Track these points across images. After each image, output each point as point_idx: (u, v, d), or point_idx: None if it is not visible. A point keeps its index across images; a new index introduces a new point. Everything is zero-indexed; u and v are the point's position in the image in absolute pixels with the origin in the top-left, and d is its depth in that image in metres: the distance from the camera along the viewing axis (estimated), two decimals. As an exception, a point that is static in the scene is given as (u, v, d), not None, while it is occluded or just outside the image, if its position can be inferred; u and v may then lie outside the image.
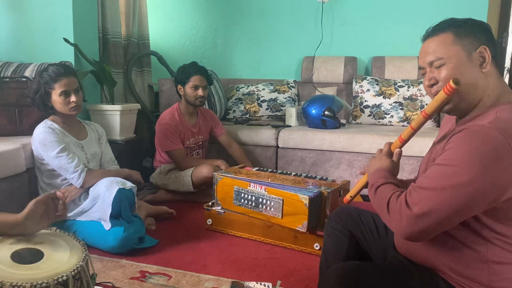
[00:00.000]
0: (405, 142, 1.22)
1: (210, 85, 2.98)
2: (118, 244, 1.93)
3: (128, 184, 2.02)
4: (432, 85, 1.09)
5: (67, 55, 2.76)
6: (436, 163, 1.00)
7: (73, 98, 2.05)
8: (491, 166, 0.92)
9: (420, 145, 2.66)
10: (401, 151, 1.23)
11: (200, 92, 2.78)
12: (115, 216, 1.97)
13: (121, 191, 1.95)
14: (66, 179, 2.09)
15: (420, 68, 1.13)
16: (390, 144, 1.25)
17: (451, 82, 1.00)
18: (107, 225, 1.95)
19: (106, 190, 1.96)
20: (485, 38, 1.05)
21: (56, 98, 2.04)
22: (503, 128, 0.94)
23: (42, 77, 2.05)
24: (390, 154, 1.23)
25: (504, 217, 0.98)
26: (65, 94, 2.04)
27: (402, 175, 2.81)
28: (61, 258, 1.21)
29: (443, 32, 1.07)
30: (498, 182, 0.92)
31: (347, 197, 1.38)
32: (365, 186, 1.32)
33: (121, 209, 1.97)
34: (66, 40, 2.68)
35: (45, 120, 2.12)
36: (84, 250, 1.26)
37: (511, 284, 1.01)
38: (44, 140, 2.02)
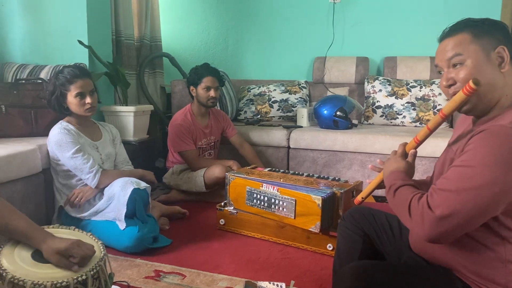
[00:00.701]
0: (420, 142, 1.21)
1: (222, 86, 3.00)
2: (132, 243, 1.95)
3: (143, 184, 2.04)
4: (450, 86, 1.08)
5: (82, 57, 2.80)
6: (456, 164, 1.00)
7: (88, 100, 2.08)
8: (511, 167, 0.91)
9: (433, 146, 2.65)
10: (416, 152, 1.23)
11: (212, 93, 2.80)
12: (129, 216, 1.99)
13: (135, 191, 1.97)
14: (81, 179, 2.12)
15: (436, 66, 1.13)
16: (404, 145, 1.25)
17: (471, 83, 0.99)
18: (122, 225, 1.97)
19: (121, 190, 1.98)
20: (503, 37, 1.05)
21: (71, 99, 2.07)
22: None
23: (57, 79, 2.08)
24: (405, 155, 1.23)
25: None
26: (81, 95, 2.07)
27: (415, 176, 2.78)
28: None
29: (460, 32, 1.06)
30: None
31: (359, 198, 1.38)
32: (377, 187, 1.31)
33: (135, 209, 1.99)
34: (80, 42, 2.72)
35: (60, 121, 2.15)
36: (102, 249, 1.28)
37: (527, 284, 1.01)
38: (59, 141, 2.06)
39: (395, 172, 1.17)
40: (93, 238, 1.33)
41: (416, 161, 2.86)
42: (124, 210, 1.95)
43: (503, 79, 1.04)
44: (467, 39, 1.05)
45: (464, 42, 1.05)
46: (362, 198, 1.37)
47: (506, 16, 4.06)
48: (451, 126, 3.27)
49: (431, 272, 1.09)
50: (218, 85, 2.87)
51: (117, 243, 2.00)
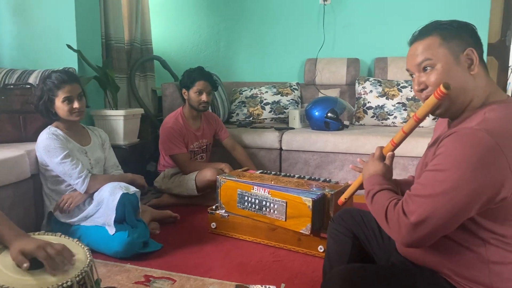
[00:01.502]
0: (397, 145, 1.22)
1: (215, 90, 2.99)
2: (122, 248, 1.94)
3: (132, 189, 2.03)
4: (422, 90, 1.09)
5: (71, 61, 2.78)
6: (428, 169, 1.00)
7: (76, 105, 2.07)
8: (483, 168, 0.92)
9: (423, 146, 2.63)
10: (393, 154, 1.23)
11: (204, 97, 2.79)
12: (119, 221, 1.98)
13: (124, 196, 1.96)
14: (70, 185, 2.10)
15: (408, 70, 1.13)
16: (381, 148, 1.25)
17: (441, 87, 1.00)
18: (111, 230, 1.96)
19: (110, 195, 1.97)
20: (471, 39, 1.06)
21: (59, 104, 2.06)
22: (491, 129, 0.94)
23: (45, 84, 2.07)
24: (382, 157, 1.23)
25: (501, 217, 0.98)
26: (68, 100, 2.06)
27: (407, 176, 2.79)
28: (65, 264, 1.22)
29: (429, 36, 1.07)
30: (491, 183, 0.92)
31: (342, 199, 1.39)
32: (359, 187, 1.32)
33: (125, 214, 1.98)
34: (69, 47, 2.70)
35: (48, 127, 2.13)
36: (88, 255, 1.27)
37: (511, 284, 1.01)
38: (48, 146, 2.04)
39: (373, 176, 1.18)
40: (80, 244, 1.31)
41: (407, 161, 2.89)
42: (113, 215, 1.94)
43: (473, 81, 1.04)
44: (436, 43, 1.05)
45: (433, 46, 1.05)
46: (345, 198, 1.38)
47: (495, 16, 4.09)
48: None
49: (418, 275, 1.09)
50: (211, 89, 2.85)
51: (107, 248, 1.98)
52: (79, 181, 2.04)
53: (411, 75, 1.13)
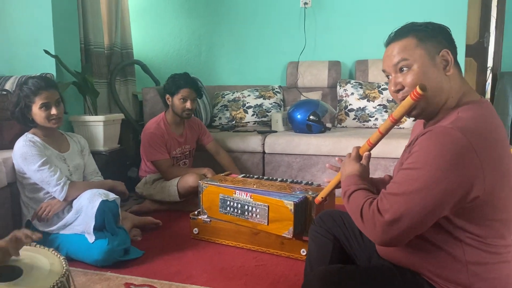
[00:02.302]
0: (373, 145, 1.23)
1: (200, 98, 2.96)
2: (102, 257, 1.90)
3: (111, 196, 2.00)
4: (398, 91, 1.10)
5: (49, 67, 2.74)
6: (403, 167, 1.01)
7: (53, 111, 2.03)
8: (455, 166, 0.93)
9: (404, 147, 2.67)
10: (370, 154, 1.24)
11: (188, 104, 2.76)
12: (99, 228, 1.95)
13: (104, 203, 1.93)
14: (49, 192, 2.06)
15: (384, 71, 1.14)
16: (358, 148, 1.26)
17: (418, 89, 1.01)
18: (90, 238, 1.92)
19: (89, 202, 1.93)
20: (446, 41, 1.07)
21: (36, 111, 2.02)
22: (464, 127, 0.95)
23: (22, 90, 2.03)
24: (359, 157, 1.24)
25: (475, 217, 0.99)
26: (46, 106, 2.02)
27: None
28: (40, 274, 1.19)
29: (405, 37, 1.08)
30: (464, 181, 0.94)
31: (319, 198, 1.40)
32: (336, 186, 1.33)
33: (104, 221, 1.94)
34: (46, 52, 2.66)
35: (26, 134, 2.09)
36: (64, 265, 1.24)
37: (491, 284, 1.02)
38: (25, 153, 2.00)
39: (350, 176, 1.19)
40: (56, 254, 1.29)
41: (388, 162, 2.90)
42: (93, 223, 1.90)
43: (448, 82, 1.06)
44: (412, 44, 1.06)
45: (409, 47, 1.06)
46: (322, 198, 1.39)
47: (473, 18, 4.16)
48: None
49: (398, 276, 1.09)
50: (196, 96, 2.83)
51: (87, 257, 1.95)
52: (58, 188, 2.00)
53: (387, 76, 1.14)
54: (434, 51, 1.05)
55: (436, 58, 1.05)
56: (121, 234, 2.02)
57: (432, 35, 1.06)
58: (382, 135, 1.19)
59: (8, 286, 1.10)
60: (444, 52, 1.05)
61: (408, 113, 1.09)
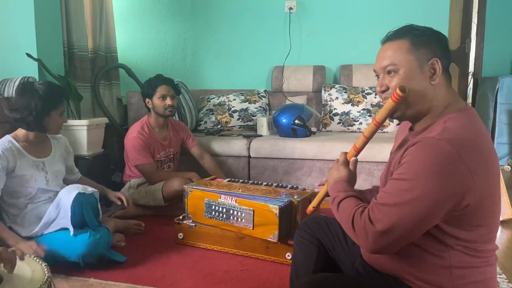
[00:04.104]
0: (359, 150, 1.24)
1: (178, 95, 2.95)
2: (85, 250, 1.87)
3: (89, 189, 1.98)
4: (383, 91, 1.12)
5: (31, 71, 2.70)
6: (393, 178, 1.03)
7: (64, 119, 2.10)
8: (445, 177, 0.94)
9: (388, 151, 2.69)
10: (356, 160, 1.26)
11: (168, 101, 2.76)
12: (80, 225, 1.92)
13: (81, 195, 1.90)
14: (30, 198, 2.02)
15: (374, 71, 1.17)
16: (345, 153, 1.27)
17: (397, 90, 1.04)
18: (71, 230, 1.89)
19: (65, 194, 1.91)
20: (439, 50, 1.08)
21: (56, 118, 2.05)
22: (451, 139, 0.97)
23: (47, 95, 2.02)
24: (346, 163, 1.25)
25: (464, 223, 1.00)
26: (61, 114, 2.07)
27: (372, 181, 2.85)
28: (21, 282, 1.17)
29: (400, 39, 1.10)
30: (454, 192, 0.95)
31: (310, 208, 1.40)
32: (327, 195, 1.33)
33: (83, 214, 1.90)
34: (29, 55, 2.62)
35: (6, 136, 2.05)
36: (46, 272, 1.22)
37: (475, 287, 1.03)
38: None
39: (338, 182, 1.20)
40: (37, 260, 1.27)
41: (373, 166, 2.93)
42: (69, 214, 1.87)
43: (433, 90, 1.08)
44: (404, 47, 1.08)
45: (401, 51, 1.08)
46: (313, 207, 1.39)
47: (455, 24, 4.23)
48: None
49: (381, 283, 1.10)
50: (174, 93, 2.83)
51: (70, 253, 1.90)
52: None
53: (377, 75, 1.15)
54: (424, 58, 1.07)
55: (425, 66, 1.07)
56: (103, 230, 2.00)
57: (427, 42, 1.08)
58: (367, 139, 1.21)
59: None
60: (434, 61, 1.06)
61: (390, 115, 1.11)
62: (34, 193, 2.04)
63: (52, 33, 2.91)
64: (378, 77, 1.15)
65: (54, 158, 2.16)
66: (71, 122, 2.76)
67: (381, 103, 3.33)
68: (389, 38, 1.13)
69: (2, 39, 2.75)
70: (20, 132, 2.06)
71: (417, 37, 1.08)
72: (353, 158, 1.25)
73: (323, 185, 1.39)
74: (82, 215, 1.91)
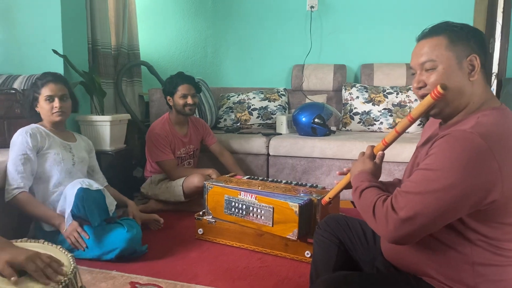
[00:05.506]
0: (388, 145, 1.23)
1: (199, 92, 2.98)
2: (125, 245, 1.94)
3: (95, 186, 1.96)
4: (420, 88, 1.11)
5: (57, 67, 2.75)
6: (420, 167, 1.02)
7: (56, 104, 2.08)
8: (473, 171, 0.93)
9: (410, 151, 2.68)
10: (383, 154, 1.25)
11: (189, 100, 2.79)
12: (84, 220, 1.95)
13: (84, 191, 1.89)
14: (57, 185, 2.07)
15: (410, 68, 1.15)
16: (372, 147, 1.27)
17: (438, 87, 1.02)
18: (68, 221, 1.93)
19: (70, 188, 1.94)
20: (477, 46, 1.07)
21: (42, 103, 2.09)
22: (484, 133, 0.95)
23: (34, 83, 2.12)
24: (372, 156, 1.25)
25: (489, 219, 0.99)
26: (50, 99, 2.07)
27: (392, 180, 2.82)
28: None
29: (437, 35, 1.08)
30: (480, 186, 0.94)
31: (326, 198, 1.40)
32: (345, 187, 1.33)
33: (85, 209, 1.90)
34: (55, 52, 2.68)
35: (32, 124, 2.12)
36: (72, 262, 1.25)
37: (497, 286, 1.02)
38: (15, 141, 2.04)
39: (362, 173, 1.19)
40: (63, 251, 1.30)
41: (393, 166, 2.91)
42: (69, 208, 1.90)
43: (471, 87, 1.06)
44: (442, 44, 1.07)
45: (439, 47, 1.07)
46: (330, 198, 1.39)
47: (479, 23, 4.16)
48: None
49: (402, 281, 1.10)
50: (195, 91, 2.85)
51: (106, 249, 1.96)
52: (8, 188, 1.99)
53: (413, 73, 1.15)
54: (463, 54, 1.06)
55: (463, 62, 1.06)
56: (137, 226, 2.07)
57: (465, 38, 1.07)
58: (399, 134, 1.20)
59: (16, 283, 1.11)
60: (472, 57, 1.05)
61: (426, 112, 1.10)
62: (61, 177, 2.09)
63: (77, 30, 2.97)
64: (414, 74, 1.14)
65: (79, 146, 2.24)
66: (95, 117, 2.82)
67: (402, 103, 3.30)
68: (425, 35, 1.11)
69: (30, 37, 2.82)
70: (42, 122, 2.16)
71: (455, 34, 1.07)
72: (380, 152, 1.24)
73: (343, 174, 1.38)
74: (83, 208, 1.90)
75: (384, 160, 1.27)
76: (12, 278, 1.08)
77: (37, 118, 2.14)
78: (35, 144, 2.04)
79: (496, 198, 0.96)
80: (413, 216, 0.96)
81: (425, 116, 1.14)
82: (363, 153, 1.27)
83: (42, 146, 2.07)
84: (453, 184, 0.94)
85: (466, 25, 1.10)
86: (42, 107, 2.09)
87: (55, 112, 2.09)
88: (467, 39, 1.06)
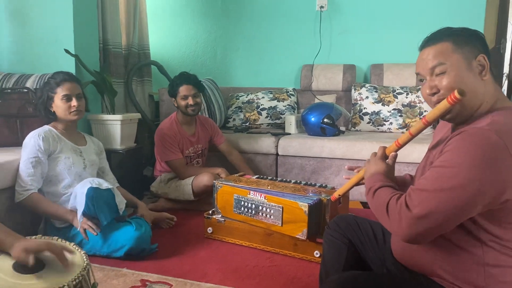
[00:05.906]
0: (401, 146, 1.23)
1: (202, 91, 2.97)
2: (132, 244, 1.96)
3: (104, 185, 1.98)
4: (433, 94, 1.09)
5: (68, 66, 2.78)
6: (435, 165, 1.01)
7: (74, 103, 2.10)
8: (489, 168, 0.93)
9: (419, 152, 2.68)
10: (396, 155, 1.25)
11: (190, 101, 2.79)
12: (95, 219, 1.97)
13: (94, 190, 1.91)
14: (67, 186, 2.10)
15: (418, 74, 1.14)
16: (384, 148, 1.27)
17: (456, 93, 1.01)
18: (79, 222, 1.96)
19: (80, 187, 1.96)
20: (481, 47, 1.07)
21: (58, 102, 2.10)
22: (500, 130, 0.95)
23: (46, 82, 2.13)
24: (384, 157, 1.25)
25: (501, 219, 0.99)
26: (67, 98, 2.09)
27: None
28: (62, 268, 1.22)
29: (441, 41, 1.08)
30: (496, 184, 0.93)
31: (335, 195, 1.40)
32: (355, 185, 1.33)
33: (94, 207, 1.92)
34: (67, 51, 2.71)
35: (44, 126, 2.14)
36: (85, 259, 1.27)
37: (506, 287, 1.02)
38: (27, 143, 2.07)
39: (375, 175, 1.19)
40: (76, 248, 1.32)
41: (402, 167, 2.90)
42: (82, 207, 1.92)
43: (484, 87, 1.06)
44: (449, 48, 1.06)
45: (446, 51, 1.06)
46: (339, 195, 1.39)
47: (490, 24, 4.12)
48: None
49: (412, 282, 1.10)
50: (196, 91, 2.84)
51: (115, 246, 1.99)
52: (19, 190, 2.02)
53: (420, 80, 1.14)
54: (471, 56, 1.05)
55: (473, 62, 1.05)
56: (146, 225, 2.08)
57: (469, 40, 1.07)
58: (412, 136, 1.20)
59: (31, 279, 1.13)
60: (481, 57, 1.05)
61: (442, 116, 1.09)
62: (71, 180, 2.11)
63: (89, 30, 3.00)
64: (422, 81, 1.13)
65: (90, 149, 2.26)
66: (106, 116, 2.84)
67: (412, 103, 3.29)
68: (428, 43, 1.11)
69: (43, 36, 2.86)
70: (55, 122, 2.18)
71: (458, 37, 1.07)
72: (393, 153, 1.24)
73: (352, 169, 1.38)
74: (93, 207, 1.93)
75: (394, 160, 1.27)
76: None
77: (52, 118, 2.16)
78: (47, 148, 2.07)
79: (510, 198, 0.95)
80: (427, 214, 0.96)
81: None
82: (375, 154, 1.27)
83: (53, 150, 2.09)
84: (468, 182, 0.93)
85: (466, 28, 1.10)
86: (59, 106, 2.10)
87: (72, 111, 2.11)
88: (471, 41, 1.07)
